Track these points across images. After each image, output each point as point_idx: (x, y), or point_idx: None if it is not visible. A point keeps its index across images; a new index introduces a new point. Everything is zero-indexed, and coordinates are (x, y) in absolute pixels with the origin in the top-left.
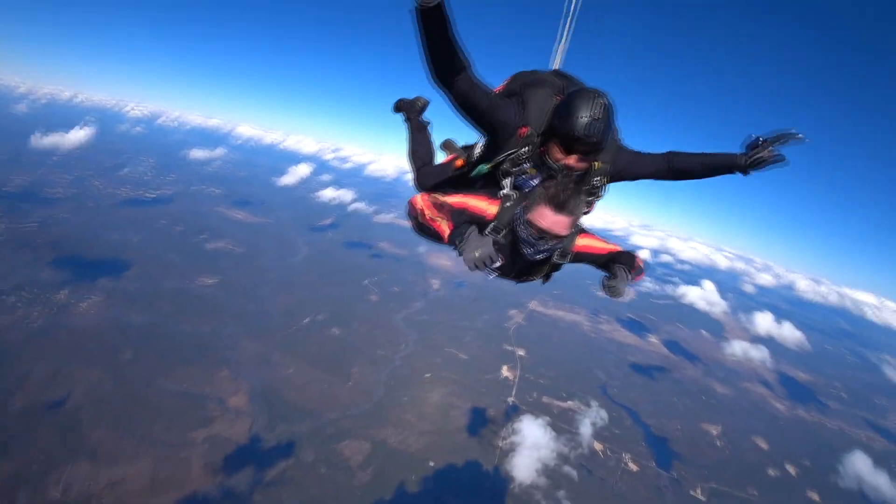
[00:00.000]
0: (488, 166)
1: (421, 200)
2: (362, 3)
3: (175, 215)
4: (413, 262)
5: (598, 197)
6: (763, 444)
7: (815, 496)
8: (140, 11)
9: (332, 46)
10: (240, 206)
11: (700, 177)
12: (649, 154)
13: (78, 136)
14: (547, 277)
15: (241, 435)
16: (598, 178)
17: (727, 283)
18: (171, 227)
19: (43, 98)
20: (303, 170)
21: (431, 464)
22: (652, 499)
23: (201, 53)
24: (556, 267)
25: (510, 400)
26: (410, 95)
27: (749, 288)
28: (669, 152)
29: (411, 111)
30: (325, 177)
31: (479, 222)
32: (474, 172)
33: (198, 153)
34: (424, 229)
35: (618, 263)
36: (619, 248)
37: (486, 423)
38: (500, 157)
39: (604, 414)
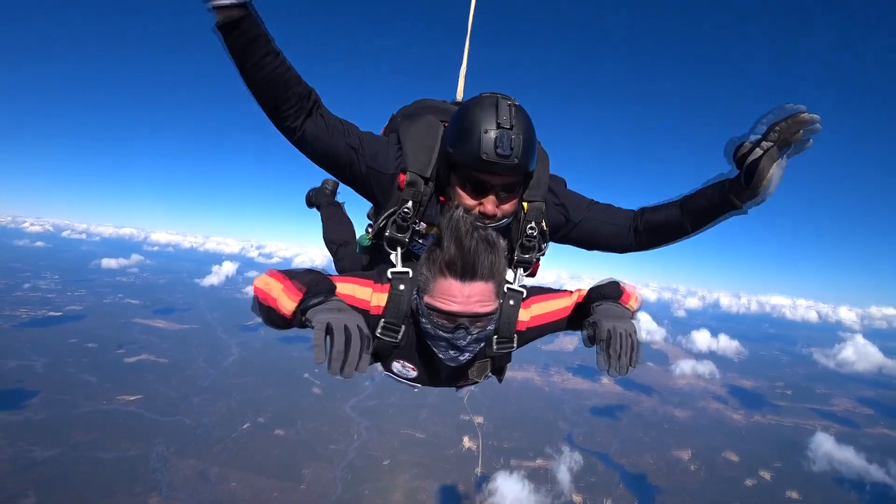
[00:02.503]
0: (368, 237)
1: (264, 278)
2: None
3: (87, 332)
4: None
5: (538, 251)
6: (733, 457)
7: (794, 494)
8: (27, 119)
9: (240, 146)
10: (162, 314)
11: (686, 230)
12: (612, 207)
13: None
14: (498, 372)
15: None
16: (532, 226)
17: (660, 312)
18: (82, 346)
19: None
20: (227, 268)
21: None
22: None
23: (102, 162)
24: (503, 359)
25: (478, 471)
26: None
27: (681, 313)
28: (641, 208)
29: (322, 198)
30: (252, 273)
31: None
32: (357, 249)
33: (110, 262)
34: (265, 313)
35: (596, 304)
36: (584, 292)
37: (460, 501)
38: (379, 222)
39: (576, 460)
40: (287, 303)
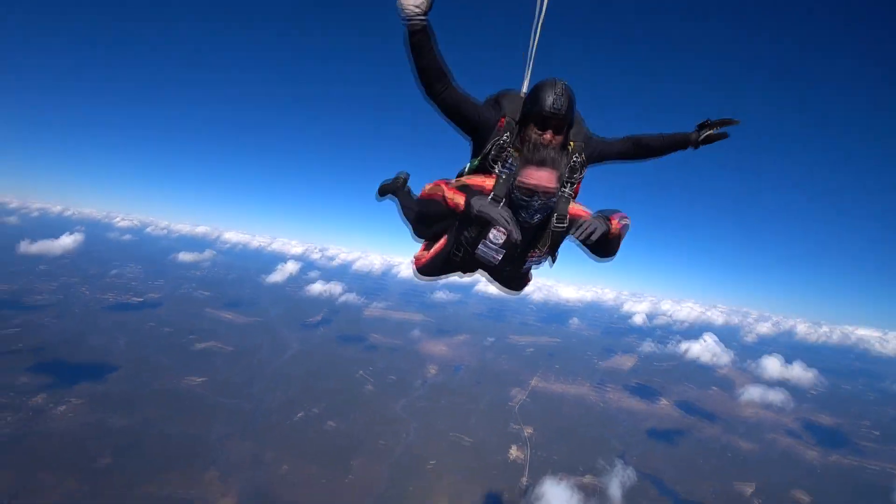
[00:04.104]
0: (478, 160)
1: (431, 186)
2: (340, 121)
3: (163, 318)
4: (408, 350)
5: (580, 173)
6: (805, 497)
7: None
8: (125, 130)
9: (313, 162)
10: (229, 307)
11: (660, 152)
12: (615, 138)
13: (66, 242)
14: (553, 253)
15: None
16: (577, 155)
17: (727, 336)
18: (158, 330)
19: (34, 212)
20: (291, 267)
21: None
22: None
23: (186, 166)
24: (558, 238)
25: (524, 480)
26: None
27: (751, 338)
28: (633, 135)
29: (396, 188)
30: (313, 273)
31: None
32: (466, 173)
33: (186, 256)
34: (425, 207)
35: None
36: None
37: None
38: (488, 147)
39: (630, 477)
40: (460, 200)
